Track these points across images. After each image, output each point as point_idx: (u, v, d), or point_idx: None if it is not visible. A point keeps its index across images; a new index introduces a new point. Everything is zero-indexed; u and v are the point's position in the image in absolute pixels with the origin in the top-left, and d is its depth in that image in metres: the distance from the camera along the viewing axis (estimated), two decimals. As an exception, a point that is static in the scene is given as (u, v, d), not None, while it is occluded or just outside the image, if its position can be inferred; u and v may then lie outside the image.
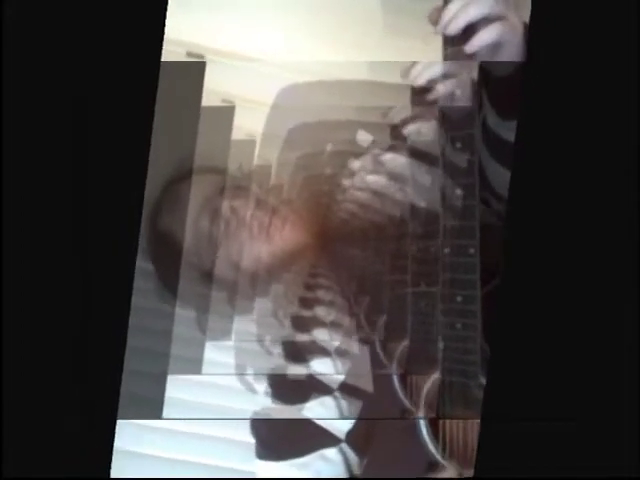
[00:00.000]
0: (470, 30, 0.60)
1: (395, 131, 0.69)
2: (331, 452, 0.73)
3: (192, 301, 0.74)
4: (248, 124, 0.73)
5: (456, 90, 0.64)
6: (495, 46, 0.61)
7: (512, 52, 0.63)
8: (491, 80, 0.64)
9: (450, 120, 0.65)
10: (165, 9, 0.67)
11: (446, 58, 0.64)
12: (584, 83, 0.63)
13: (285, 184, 0.74)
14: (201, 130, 0.71)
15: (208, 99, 0.71)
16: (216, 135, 0.72)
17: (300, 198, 0.74)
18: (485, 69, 0.64)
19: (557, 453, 0.65)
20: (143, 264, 0.72)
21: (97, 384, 0.68)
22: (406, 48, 0.67)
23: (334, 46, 0.70)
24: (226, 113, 0.72)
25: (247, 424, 0.74)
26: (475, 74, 0.64)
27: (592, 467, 0.65)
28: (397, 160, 0.70)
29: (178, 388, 0.75)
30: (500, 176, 0.64)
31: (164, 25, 0.67)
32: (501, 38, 0.61)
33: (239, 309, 0.75)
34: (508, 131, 0.64)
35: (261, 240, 0.74)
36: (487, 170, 0.66)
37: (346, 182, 0.73)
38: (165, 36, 0.68)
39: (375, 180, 0.71)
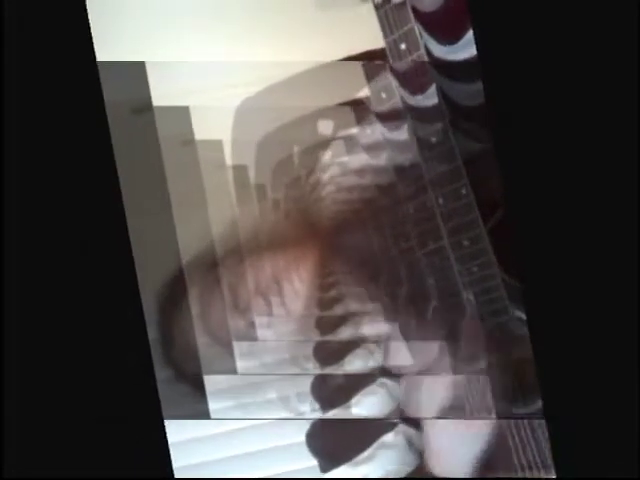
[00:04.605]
0: None
1: (356, 104, 0.70)
2: (390, 437, 0.72)
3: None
4: (215, 157, 0.73)
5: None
6: None
7: None
8: (422, 15, 0.66)
9: (402, 68, 0.66)
10: (97, 72, 0.68)
11: (381, 20, 0.66)
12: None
13: (267, 184, 0.73)
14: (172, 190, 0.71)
15: (166, 147, 0.71)
16: (186, 174, 0.72)
17: (285, 212, 0.74)
18: (414, 7, 0.65)
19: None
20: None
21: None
22: (339, 19, 0.69)
23: (270, 41, 0.70)
24: (190, 153, 0.72)
25: (304, 448, 0.73)
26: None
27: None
28: (366, 130, 0.70)
29: (223, 442, 0.74)
30: (469, 94, 0.65)
31: (101, 90, 0.68)
32: None
33: (261, 336, 0.75)
34: (455, 53, 0.65)
35: (266, 282, 0.74)
36: (453, 95, 0.66)
37: (324, 176, 0.73)
38: (105, 101, 0.69)
39: (351, 159, 0.71)
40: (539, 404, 0.66)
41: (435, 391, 0.71)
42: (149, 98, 0.70)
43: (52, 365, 0.68)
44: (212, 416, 0.72)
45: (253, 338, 0.73)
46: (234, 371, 0.73)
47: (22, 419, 0.68)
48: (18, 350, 0.68)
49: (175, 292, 0.72)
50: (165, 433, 0.70)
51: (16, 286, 0.68)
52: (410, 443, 0.71)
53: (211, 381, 0.72)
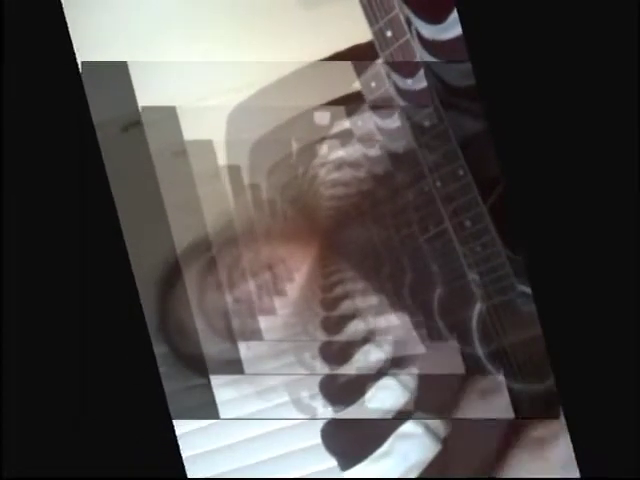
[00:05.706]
0: None
1: (349, 98, 0.70)
2: (408, 427, 0.71)
3: (223, 367, 0.73)
4: (208, 165, 0.73)
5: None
6: None
7: None
8: None
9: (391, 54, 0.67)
10: (83, 91, 0.68)
11: (365, 10, 0.66)
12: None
13: (263, 186, 0.73)
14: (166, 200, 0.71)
15: (159, 159, 0.71)
16: (180, 181, 0.72)
17: (283, 213, 0.74)
18: None
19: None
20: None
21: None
22: (324, 17, 0.69)
23: (257, 43, 0.71)
24: (183, 165, 0.72)
25: (322, 449, 0.72)
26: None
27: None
28: (359, 121, 0.70)
29: (239, 451, 0.73)
30: (461, 74, 0.65)
31: (89, 112, 0.69)
32: None
33: (267, 335, 0.74)
34: (444, 32, 0.65)
35: (265, 277, 0.74)
36: (445, 75, 0.66)
37: (322, 171, 0.73)
38: (94, 121, 0.69)
39: (347, 153, 0.72)
40: (552, 379, 0.66)
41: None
42: (137, 112, 0.70)
43: (51, 364, 0.67)
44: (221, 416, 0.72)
45: (259, 338, 0.73)
46: (241, 371, 0.72)
47: (21, 418, 0.67)
48: (17, 344, 0.67)
49: (175, 295, 0.72)
50: (175, 434, 0.69)
51: (16, 289, 0.67)
52: (428, 429, 0.70)
53: (217, 380, 0.72)
